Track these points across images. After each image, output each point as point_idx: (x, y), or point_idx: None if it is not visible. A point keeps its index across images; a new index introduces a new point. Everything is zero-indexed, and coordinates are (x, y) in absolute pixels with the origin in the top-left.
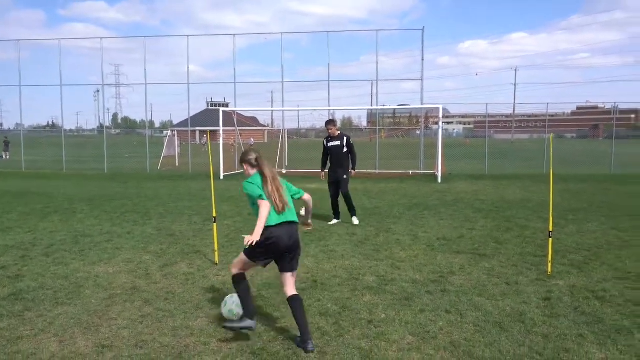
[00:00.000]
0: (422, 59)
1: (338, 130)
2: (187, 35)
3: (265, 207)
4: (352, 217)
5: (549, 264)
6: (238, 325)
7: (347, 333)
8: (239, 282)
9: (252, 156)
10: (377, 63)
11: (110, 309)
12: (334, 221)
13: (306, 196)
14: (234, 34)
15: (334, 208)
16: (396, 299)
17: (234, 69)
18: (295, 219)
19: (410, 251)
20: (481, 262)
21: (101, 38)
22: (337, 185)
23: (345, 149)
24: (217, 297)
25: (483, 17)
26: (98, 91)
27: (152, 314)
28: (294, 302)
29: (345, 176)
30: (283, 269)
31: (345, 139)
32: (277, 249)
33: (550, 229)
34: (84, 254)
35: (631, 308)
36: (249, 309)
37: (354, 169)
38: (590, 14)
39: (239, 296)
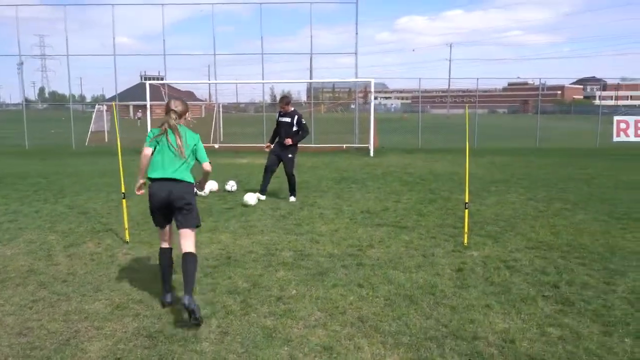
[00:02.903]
0: (356, 33)
1: (292, 107)
2: (112, 4)
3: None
4: (290, 196)
5: (465, 236)
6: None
7: (253, 311)
8: (159, 257)
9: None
10: (312, 37)
11: None
12: (260, 196)
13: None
14: (162, 4)
15: (263, 181)
16: (310, 274)
17: (164, 41)
18: (179, 176)
19: (331, 225)
20: (401, 234)
21: (16, 5)
22: (276, 160)
23: (295, 127)
24: (121, 277)
25: None
26: (22, 63)
27: (45, 298)
28: (184, 260)
29: (290, 155)
30: (177, 226)
31: (296, 117)
32: (154, 204)
33: (467, 200)
34: None
35: (538, 277)
36: (166, 284)
37: (292, 139)
38: None
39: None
